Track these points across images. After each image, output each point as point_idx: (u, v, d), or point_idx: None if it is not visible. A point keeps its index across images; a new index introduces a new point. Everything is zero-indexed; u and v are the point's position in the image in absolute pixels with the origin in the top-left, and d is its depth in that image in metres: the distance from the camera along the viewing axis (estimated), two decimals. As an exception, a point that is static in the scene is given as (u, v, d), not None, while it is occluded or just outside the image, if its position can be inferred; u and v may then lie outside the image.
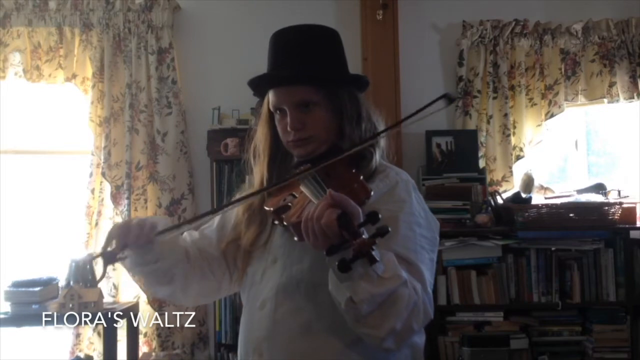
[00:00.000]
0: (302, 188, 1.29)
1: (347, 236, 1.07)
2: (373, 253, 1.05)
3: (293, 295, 1.36)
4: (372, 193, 1.19)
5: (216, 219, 1.60)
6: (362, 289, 1.13)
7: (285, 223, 1.26)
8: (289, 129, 1.40)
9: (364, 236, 1.07)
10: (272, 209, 1.34)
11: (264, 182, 1.47)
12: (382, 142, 1.46)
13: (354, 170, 1.30)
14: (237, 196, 1.49)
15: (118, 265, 4.10)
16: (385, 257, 1.16)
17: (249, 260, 1.48)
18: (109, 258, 1.38)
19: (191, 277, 1.51)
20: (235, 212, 1.54)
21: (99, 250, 1.55)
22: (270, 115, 1.47)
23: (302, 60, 1.40)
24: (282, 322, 1.36)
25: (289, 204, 1.30)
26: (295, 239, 1.22)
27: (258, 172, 1.51)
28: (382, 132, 1.42)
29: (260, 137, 1.51)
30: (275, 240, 1.44)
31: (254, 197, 1.42)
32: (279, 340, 1.36)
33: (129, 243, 1.36)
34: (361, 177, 1.23)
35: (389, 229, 1.07)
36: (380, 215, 1.08)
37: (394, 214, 1.30)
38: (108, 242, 1.38)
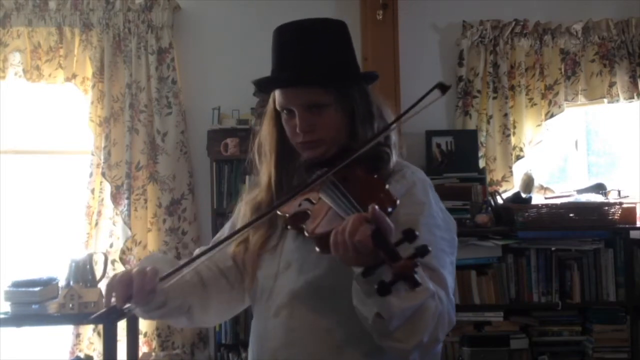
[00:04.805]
0: (323, 196, 1.22)
1: (383, 256, 0.99)
2: (416, 276, 0.97)
3: (310, 302, 1.29)
4: (398, 202, 1.12)
5: (227, 225, 1.52)
6: (391, 304, 1.06)
7: (307, 234, 1.18)
8: (297, 131, 1.33)
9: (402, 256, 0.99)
10: (287, 215, 1.27)
11: (272, 183, 1.41)
12: (394, 138, 1.40)
13: (375, 176, 1.24)
14: (243, 201, 1.45)
15: (118, 265, 4.07)
16: None
17: (259, 264, 1.39)
18: (114, 315, 1.24)
19: (209, 300, 1.41)
20: (242, 212, 1.45)
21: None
22: (277, 113, 1.40)
23: (309, 59, 1.33)
24: (298, 330, 1.29)
25: (307, 211, 1.23)
26: (317, 250, 1.14)
27: (265, 172, 1.44)
28: (383, 131, 1.34)
29: (266, 136, 1.44)
30: (287, 244, 1.36)
31: (272, 213, 1.30)
32: (296, 350, 1.29)
33: (134, 295, 1.23)
34: (387, 186, 1.16)
35: (430, 249, 0.99)
36: (417, 233, 0.99)
37: (413, 217, 1.23)
38: (109, 296, 1.24)
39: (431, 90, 1.24)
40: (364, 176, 1.24)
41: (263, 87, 1.41)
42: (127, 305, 1.24)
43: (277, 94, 1.37)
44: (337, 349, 1.27)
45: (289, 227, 1.30)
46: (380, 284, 0.98)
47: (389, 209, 1.08)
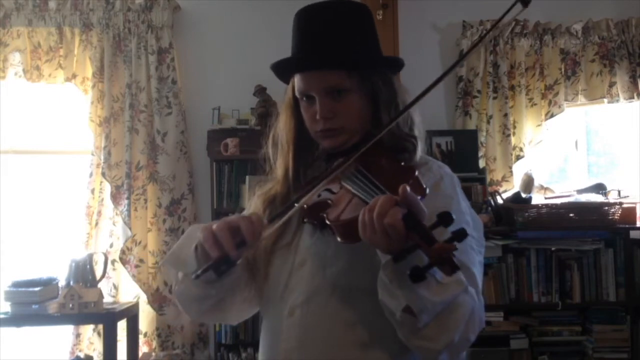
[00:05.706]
0: (346, 184, 1.16)
1: (417, 239, 0.94)
2: (455, 260, 0.91)
3: (327, 301, 1.21)
4: (427, 191, 1.06)
5: None
6: (421, 297, 1.00)
7: (329, 222, 1.12)
8: (318, 117, 1.26)
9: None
10: (305, 205, 1.20)
11: (290, 175, 1.33)
12: (416, 130, 1.32)
13: (403, 163, 1.18)
14: (256, 195, 1.36)
15: (118, 265, 4.07)
16: None
17: (271, 261, 1.30)
18: (226, 265, 1.09)
19: (234, 295, 1.33)
20: (254, 206, 1.37)
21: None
22: (295, 102, 1.33)
23: (332, 42, 1.26)
24: (314, 331, 1.21)
25: (328, 200, 1.17)
26: (339, 239, 1.09)
27: (281, 164, 1.36)
28: (429, 89, 1.23)
29: (283, 126, 1.36)
30: (303, 240, 1.28)
31: (303, 202, 1.20)
32: (312, 351, 1.21)
33: (247, 239, 1.10)
34: (416, 173, 1.09)
35: (468, 233, 0.93)
36: (454, 216, 0.94)
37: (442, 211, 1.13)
38: (216, 245, 1.10)
39: (513, 6, 1.21)
40: (391, 163, 1.19)
41: (284, 70, 1.33)
42: (240, 255, 1.11)
43: (297, 79, 1.30)
44: (357, 349, 1.20)
45: (305, 220, 1.25)
46: (413, 269, 0.92)
47: (418, 197, 1.00)
